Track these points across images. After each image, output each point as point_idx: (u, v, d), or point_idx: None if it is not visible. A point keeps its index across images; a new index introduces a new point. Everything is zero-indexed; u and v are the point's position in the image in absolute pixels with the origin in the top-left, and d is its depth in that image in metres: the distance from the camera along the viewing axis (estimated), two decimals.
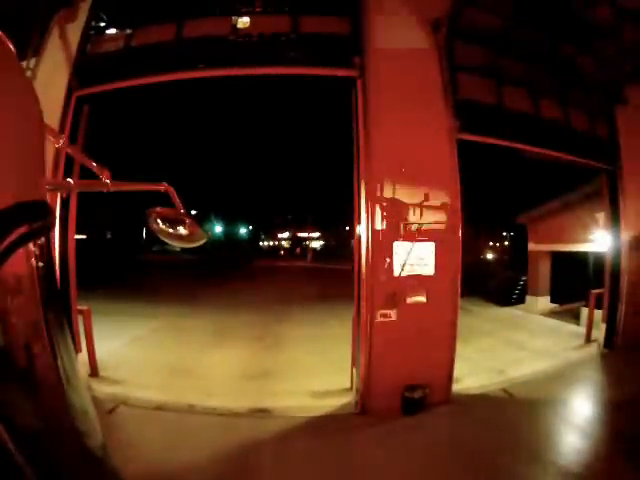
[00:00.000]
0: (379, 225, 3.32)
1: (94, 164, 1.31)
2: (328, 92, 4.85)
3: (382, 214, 3.31)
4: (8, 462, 0.47)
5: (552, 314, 10.73)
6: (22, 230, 0.50)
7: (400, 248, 3.37)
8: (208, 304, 10.86)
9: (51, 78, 5.23)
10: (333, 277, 22.32)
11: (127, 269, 21.56)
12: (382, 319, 3.44)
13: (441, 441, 3.69)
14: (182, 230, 1.53)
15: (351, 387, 4.45)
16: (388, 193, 3.41)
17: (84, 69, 5.24)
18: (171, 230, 1.51)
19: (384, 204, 3.31)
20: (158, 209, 1.47)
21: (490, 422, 4.10)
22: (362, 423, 3.77)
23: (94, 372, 5.15)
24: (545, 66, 6.08)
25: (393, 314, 3.47)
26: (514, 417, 4.33)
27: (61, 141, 1.18)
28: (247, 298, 12.43)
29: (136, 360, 5.73)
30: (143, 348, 6.46)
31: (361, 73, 4.01)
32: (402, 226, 3.16)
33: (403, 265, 3.35)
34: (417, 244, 3.37)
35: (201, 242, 1.62)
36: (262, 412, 4.01)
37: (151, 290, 13.37)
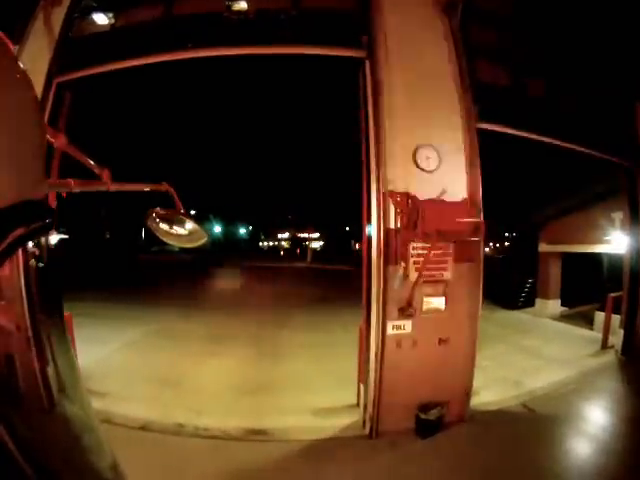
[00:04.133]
0: (393, 223, 2.88)
1: (94, 164, 1.30)
2: (332, 76, 4.41)
3: (396, 211, 2.88)
4: (8, 462, 0.48)
5: (562, 318, 10.33)
6: (21, 230, 0.50)
7: (417, 250, 2.94)
8: (205, 306, 10.44)
9: (33, 66, 4.80)
10: (333, 278, 21.95)
11: (124, 270, 21.18)
12: (395, 331, 3.00)
13: (462, 468, 3.26)
14: (182, 230, 1.52)
15: (357, 403, 4.02)
16: (402, 187, 2.98)
17: (65, 53, 4.81)
18: (171, 230, 1.51)
19: (398, 199, 2.87)
20: (158, 209, 1.47)
21: (513, 444, 3.68)
22: (372, 448, 3.34)
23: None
24: (564, 58, 5.69)
25: (407, 325, 3.04)
26: (538, 437, 3.91)
27: (61, 141, 1.16)
28: (246, 300, 12.02)
29: (125, 369, 5.30)
30: (134, 355, 6.02)
31: (369, 53, 3.58)
32: (419, 225, 2.71)
33: (420, 269, 2.92)
34: (432, 245, 2.94)
35: (201, 242, 1.60)
36: (259, 434, 3.57)
37: (147, 291, 12.95)
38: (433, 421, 3.44)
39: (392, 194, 2.89)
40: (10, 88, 0.52)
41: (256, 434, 3.57)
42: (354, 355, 5.04)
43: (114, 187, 1.32)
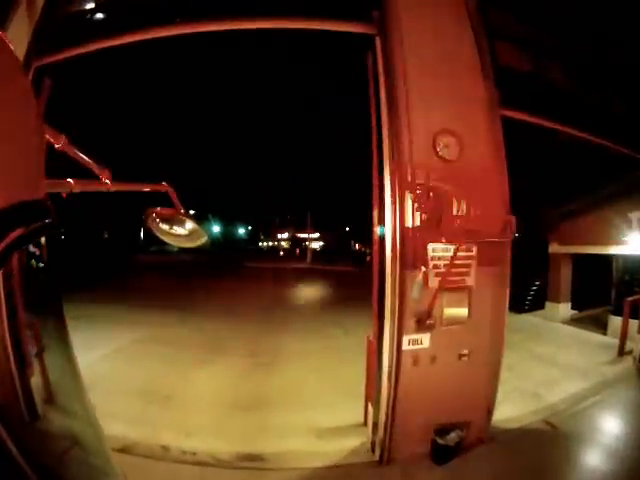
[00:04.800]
0: (410, 221, 2.45)
1: (94, 164, 1.31)
2: (337, 57, 3.99)
3: (414, 207, 2.45)
4: (8, 462, 0.49)
5: (573, 322, 9.94)
6: (21, 231, 0.50)
7: (437, 252, 2.52)
8: (201, 309, 9.99)
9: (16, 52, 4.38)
10: (334, 279, 21.60)
11: (121, 270, 20.81)
12: (411, 347, 2.58)
13: None
14: (182, 230, 1.51)
15: (365, 422, 3.60)
16: (421, 179, 2.55)
17: (44, 35, 4.39)
18: (171, 230, 1.50)
19: (417, 193, 2.44)
20: (158, 209, 1.47)
21: (539, 471, 3.27)
22: (383, 478, 2.92)
23: (49, 399, 4.28)
24: (588, 46, 5.29)
25: (425, 339, 2.62)
26: (566, 461, 3.52)
27: (61, 141, 1.17)
28: (243, 302, 11.59)
29: (110, 380, 4.86)
30: (122, 363, 5.59)
31: (381, 29, 3.16)
32: (443, 222, 2.29)
33: (445, 275, 2.50)
34: (456, 246, 2.52)
35: (201, 242, 1.60)
36: (253, 460, 3.14)
37: (142, 293, 12.54)
38: (452, 447, 3.02)
39: (410, 186, 2.46)
40: (9, 89, 0.53)
41: (250, 460, 3.14)
42: (358, 363, 4.63)
43: (114, 187, 1.33)
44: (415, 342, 2.59)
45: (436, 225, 2.29)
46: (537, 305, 10.70)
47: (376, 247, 2.68)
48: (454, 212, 2.25)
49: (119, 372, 5.17)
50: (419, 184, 2.46)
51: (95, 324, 7.57)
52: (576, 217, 9.00)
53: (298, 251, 49.27)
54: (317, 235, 50.83)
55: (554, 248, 9.94)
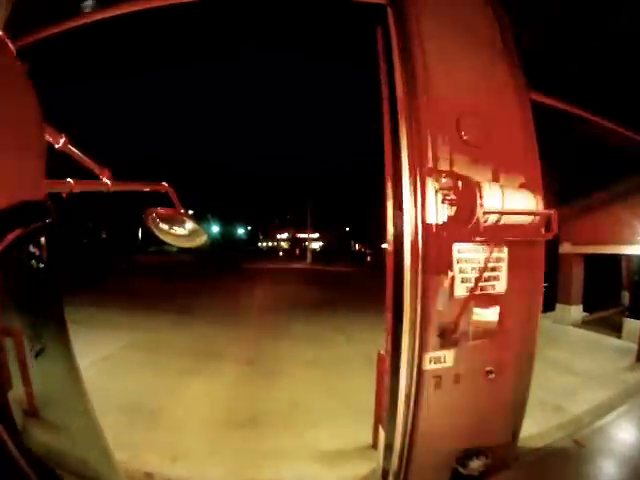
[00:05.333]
0: (434, 216, 2.05)
1: (94, 164, 1.32)
2: (340, 33, 3.57)
3: (439, 199, 2.02)
4: (8, 462, 0.50)
5: (584, 324, 9.56)
6: (21, 231, 0.51)
7: (465, 253, 2.12)
8: (197, 312, 9.59)
9: None
10: (334, 280, 21.32)
11: (118, 271, 20.44)
12: (433, 366, 2.18)
13: None
14: (182, 230, 1.53)
15: (373, 445, 3.20)
16: (444, 166, 2.15)
17: (18, 16, 3.98)
18: (171, 230, 1.51)
19: (443, 182, 2.02)
20: (158, 209, 1.48)
21: None
22: None
23: (32, 412, 3.88)
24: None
25: (449, 357, 2.21)
26: None
27: (61, 141, 1.17)
28: (241, 305, 11.20)
29: (93, 393, 4.44)
30: (108, 374, 5.17)
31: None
32: (473, 218, 1.86)
33: (471, 280, 2.10)
34: (487, 247, 2.12)
35: (201, 242, 1.61)
36: None
37: (137, 295, 12.16)
38: (476, 477, 2.62)
39: (434, 174, 2.05)
40: (10, 89, 0.55)
41: None
42: (362, 375, 4.26)
43: (114, 187, 1.35)
44: (438, 360, 2.19)
45: (466, 221, 1.89)
46: (547, 307, 10.30)
47: (390, 248, 2.25)
48: (491, 205, 1.84)
49: (103, 383, 4.75)
50: (445, 172, 2.06)
51: (85, 328, 7.12)
52: (590, 215, 8.58)
53: (298, 251, 48.98)
54: (317, 235, 50.55)
55: (565, 248, 9.53)
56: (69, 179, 1.23)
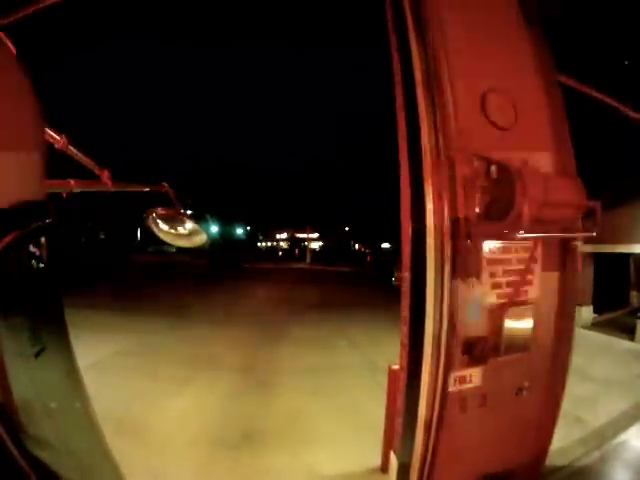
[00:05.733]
0: (462, 209, 1.65)
1: (95, 164, 1.35)
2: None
3: (467, 188, 1.67)
4: (8, 462, 0.51)
5: (594, 326, 9.24)
6: (21, 231, 0.54)
7: (497, 254, 1.77)
8: (194, 314, 9.26)
9: None
10: (334, 280, 21.03)
11: (115, 271, 20.15)
12: (458, 387, 1.83)
13: None
14: (182, 230, 1.59)
15: (382, 468, 2.85)
16: (473, 150, 1.79)
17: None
18: (171, 230, 1.57)
19: (475, 166, 1.67)
20: (158, 209, 1.53)
21: None
22: None
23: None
24: None
25: (476, 375, 1.87)
26: None
27: (61, 141, 1.18)
28: (240, 306, 10.86)
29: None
30: (91, 384, 4.77)
31: None
32: (520, 209, 1.50)
33: (503, 286, 1.76)
34: (521, 245, 1.77)
35: (201, 242, 1.72)
36: None
37: (134, 296, 11.85)
38: None
39: (462, 158, 1.69)
40: (10, 89, 0.56)
41: None
42: (366, 385, 3.94)
43: (114, 187, 1.39)
44: (462, 380, 1.85)
45: (502, 214, 1.55)
46: None
47: (407, 249, 1.87)
48: (534, 195, 1.50)
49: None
50: (476, 155, 1.71)
51: (77, 331, 6.73)
52: (604, 212, 8.23)
53: (297, 251, 48.65)
54: (316, 235, 50.26)
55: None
56: (69, 179, 1.26)
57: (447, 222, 1.63)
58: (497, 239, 1.74)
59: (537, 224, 1.75)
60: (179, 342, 6.74)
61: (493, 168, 1.65)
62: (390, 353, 5.98)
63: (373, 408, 3.54)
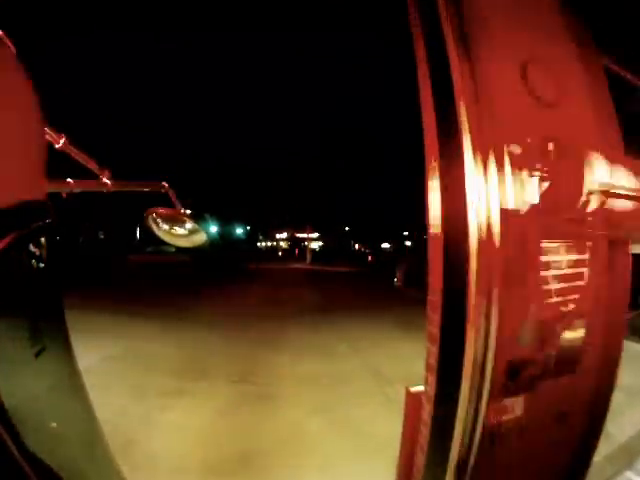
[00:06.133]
0: (511, 201, 1.25)
1: (95, 164, 1.33)
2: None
3: (512, 176, 1.30)
4: (8, 462, 0.49)
5: None
6: (21, 231, 0.51)
7: (552, 255, 1.43)
8: (191, 317, 8.94)
9: None
10: (334, 281, 20.76)
11: (113, 272, 19.90)
12: (498, 419, 1.49)
13: None
14: (181, 230, 1.53)
15: None
16: (519, 129, 1.45)
17: None
18: (171, 230, 1.51)
19: (532, 149, 1.30)
20: (158, 209, 1.48)
21: None
22: None
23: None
24: None
25: (518, 406, 1.52)
26: None
27: (61, 141, 1.17)
28: (238, 308, 10.56)
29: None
30: None
31: None
32: (578, 204, 1.17)
33: (555, 294, 1.43)
34: (579, 245, 1.44)
35: (201, 242, 1.62)
36: None
37: (132, 297, 11.55)
38: None
39: (510, 136, 1.34)
40: (10, 89, 0.53)
41: None
42: (371, 393, 3.63)
43: (114, 187, 1.36)
44: (502, 411, 1.51)
45: (564, 207, 1.21)
46: None
47: (437, 249, 1.48)
48: (601, 183, 1.17)
49: None
50: (529, 134, 1.36)
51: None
52: None
53: (297, 251, 48.43)
54: (316, 235, 50.03)
55: None
56: (69, 179, 1.24)
57: (497, 218, 1.28)
58: (556, 238, 1.40)
59: (599, 219, 1.41)
60: (174, 347, 6.41)
61: (550, 146, 1.31)
62: (394, 358, 5.67)
63: (382, 427, 3.22)
